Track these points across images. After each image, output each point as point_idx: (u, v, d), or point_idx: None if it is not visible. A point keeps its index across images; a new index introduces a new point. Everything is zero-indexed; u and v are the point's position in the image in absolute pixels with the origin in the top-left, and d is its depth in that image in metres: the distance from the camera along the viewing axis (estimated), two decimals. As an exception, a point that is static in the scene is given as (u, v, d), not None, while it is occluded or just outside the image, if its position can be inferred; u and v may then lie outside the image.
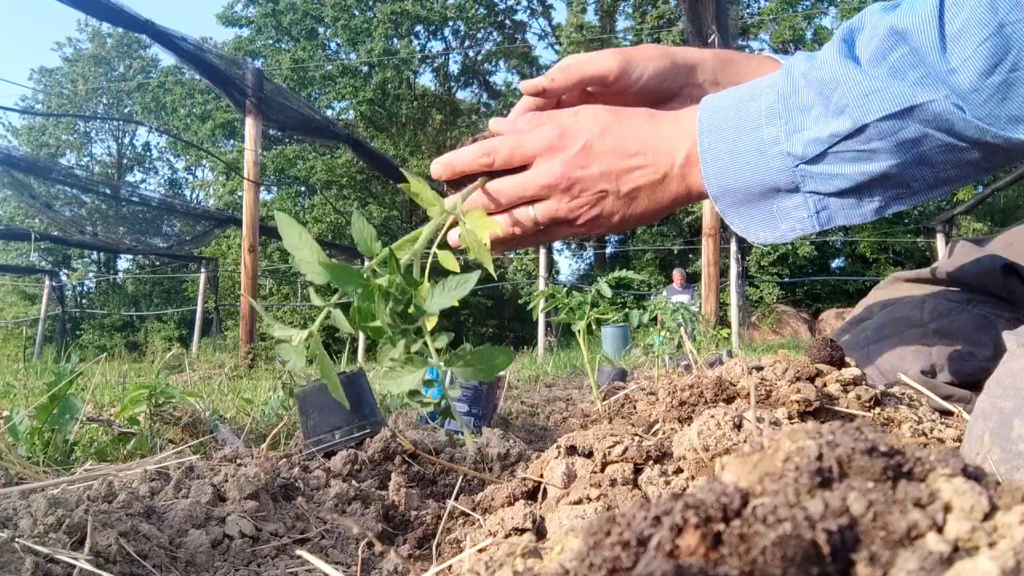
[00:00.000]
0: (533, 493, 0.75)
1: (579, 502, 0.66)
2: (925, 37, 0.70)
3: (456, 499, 0.81)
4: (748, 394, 0.83)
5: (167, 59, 27.79)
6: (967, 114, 0.69)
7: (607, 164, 0.88)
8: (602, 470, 0.72)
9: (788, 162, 0.79)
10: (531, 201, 0.91)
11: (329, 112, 23.10)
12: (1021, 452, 0.69)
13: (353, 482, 0.99)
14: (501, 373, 1.72)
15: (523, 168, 0.90)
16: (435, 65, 26.69)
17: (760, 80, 0.86)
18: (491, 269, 0.86)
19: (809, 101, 0.78)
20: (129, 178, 29.75)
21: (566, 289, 1.98)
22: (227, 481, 0.79)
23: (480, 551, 0.56)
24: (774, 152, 0.79)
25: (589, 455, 0.75)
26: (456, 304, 0.75)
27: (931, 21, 0.70)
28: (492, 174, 0.91)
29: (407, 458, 1.14)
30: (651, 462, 0.72)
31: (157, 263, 23.48)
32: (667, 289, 11.86)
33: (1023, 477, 0.63)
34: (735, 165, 0.82)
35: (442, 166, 0.94)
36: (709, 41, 6.04)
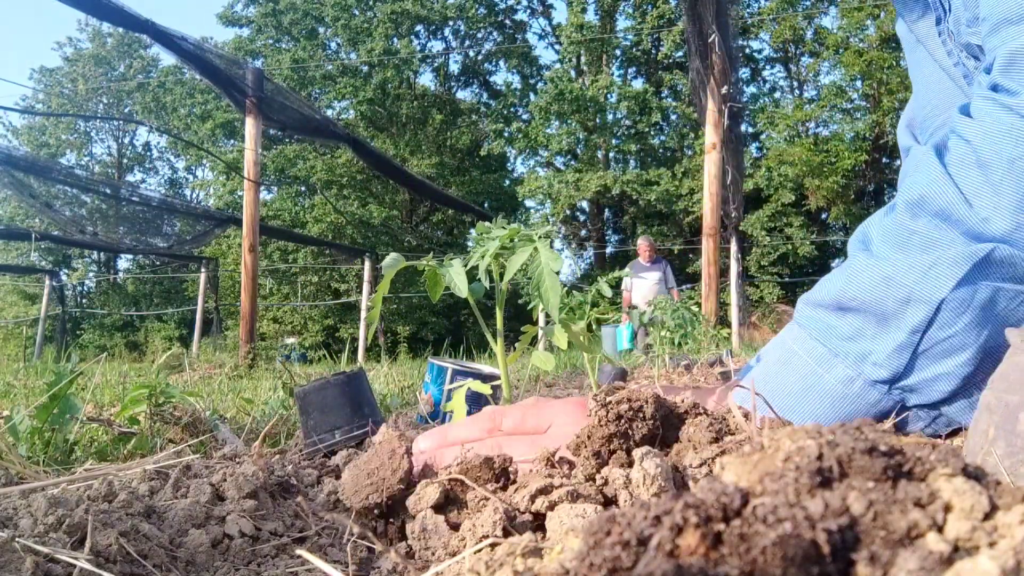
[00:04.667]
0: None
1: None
2: (946, 197, 0.67)
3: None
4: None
5: (167, 59, 27.80)
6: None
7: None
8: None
9: (879, 389, 0.72)
10: None
11: (329, 112, 23.10)
12: None
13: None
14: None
15: None
16: (435, 65, 26.70)
17: (780, 341, 0.81)
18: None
19: (854, 326, 0.72)
20: (129, 178, 29.74)
21: (566, 289, 1.98)
22: (226, 480, 0.79)
23: (478, 551, 0.56)
24: (855, 391, 0.72)
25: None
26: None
27: (945, 182, 0.67)
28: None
29: (407, 458, 1.14)
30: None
31: (157, 263, 23.48)
32: (632, 265, 9.12)
33: (1026, 474, 0.63)
34: (828, 418, 0.73)
35: (435, 439, 0.84)
36: (710, 41, 6.04)
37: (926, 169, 0.70)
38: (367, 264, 11.84)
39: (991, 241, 0.66)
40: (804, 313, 0.78)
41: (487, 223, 1.01)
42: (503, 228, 0.97)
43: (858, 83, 20.16)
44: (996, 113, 0.66)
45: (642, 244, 9.09)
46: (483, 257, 0.95)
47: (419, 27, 25.10)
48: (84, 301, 27.44)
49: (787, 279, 19.45)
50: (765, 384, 0.78)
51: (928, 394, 0.71)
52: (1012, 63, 0.66)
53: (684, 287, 9.64)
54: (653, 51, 23.77)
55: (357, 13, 23.90)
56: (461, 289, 0.92)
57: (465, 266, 0.96)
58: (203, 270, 13.86)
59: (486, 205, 23.14)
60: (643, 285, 8.66)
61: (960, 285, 0.67)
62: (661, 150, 23.38)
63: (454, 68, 27.34)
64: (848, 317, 0.73)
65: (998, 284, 0.67)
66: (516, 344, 1.09)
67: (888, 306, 0.70)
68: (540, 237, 0.93)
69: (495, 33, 26.71)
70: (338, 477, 0.96)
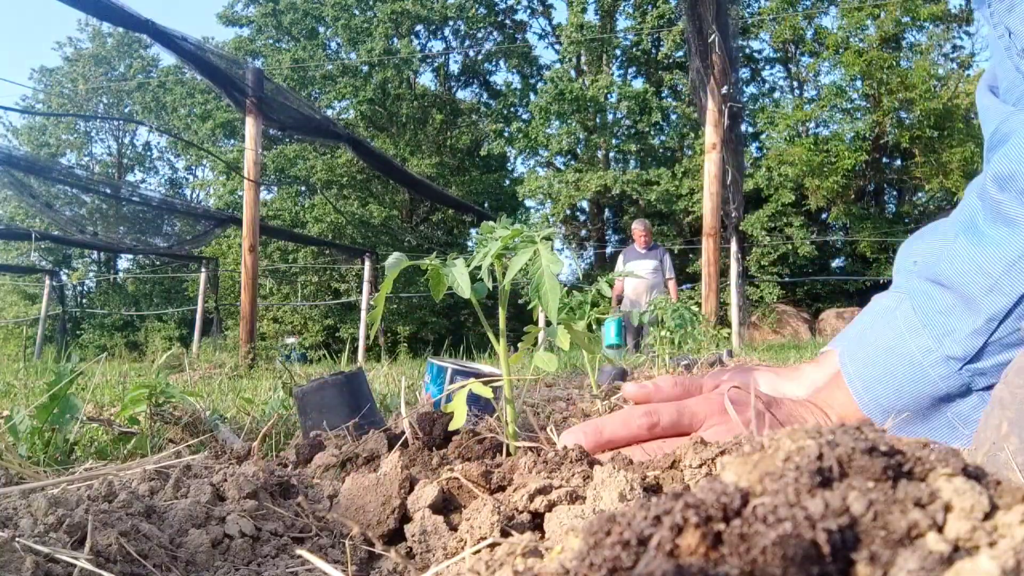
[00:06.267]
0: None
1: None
2: None
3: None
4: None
5: (167, 59, 27.79)
6: None
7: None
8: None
9: (951, 366, 0.74)
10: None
11: (329, 112, 23.09)
12: None
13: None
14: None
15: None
16: (435, 65, 26.70)
17: (879, 302, 0.85)
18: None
19: (948, 303, 0.75)
20: (129, 178, 29.75)
21: (567, 289, 1.98)
22: (226, 480, 0.79)
23: (477, 551, 0.56)
24: (931, 361, 0.75)
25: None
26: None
27: None
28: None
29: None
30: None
31: (157, 263, 23.49)
32: (626, 252, 8.21)
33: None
34: (894, 385, 0.78)
35: (589, 437, 0.86)
36: (710, 41, 6.03)
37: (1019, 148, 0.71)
38: (367, 264, 11.83)
39: None
40: (908, 279, 0.81)
41: (491, 223, 1.01)
42: (506, 228, 0.97)
43: (858, 83, 20.15)
44: None
45: (637, 228, 8.01)
46: (485, 257, 0.95)
47: (419, 27, 25.10)
48: (84, 301, 27.43)
49: (787, 279, 19.45)
50: (861, 336, 0.82)
51: (997, 376, 0.72)
52: None
53: (684, 287, 8.85)
54: (653, 51, 23.76)
55: (357, 13, 23.89)
56: (464, 289, 0.92)
57: (468, 266, 0.96)
58: (203, 270, 13.85)
59: (486, 205, 23.14)
60: (637, 272, 7.89)
61: None
62: (661, 150, 23.37)
63: (454, 68, 27.36)
64: (944, 293, 0.76)
65: None
66: (519, 344, 1.09)
67: (974, 291, 0.72)
68: (541, 239, 0.93)
69: (495, 33, 26.71)
70: (343, 479, 0.96)
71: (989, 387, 0.74)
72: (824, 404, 0.85)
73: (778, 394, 0.94)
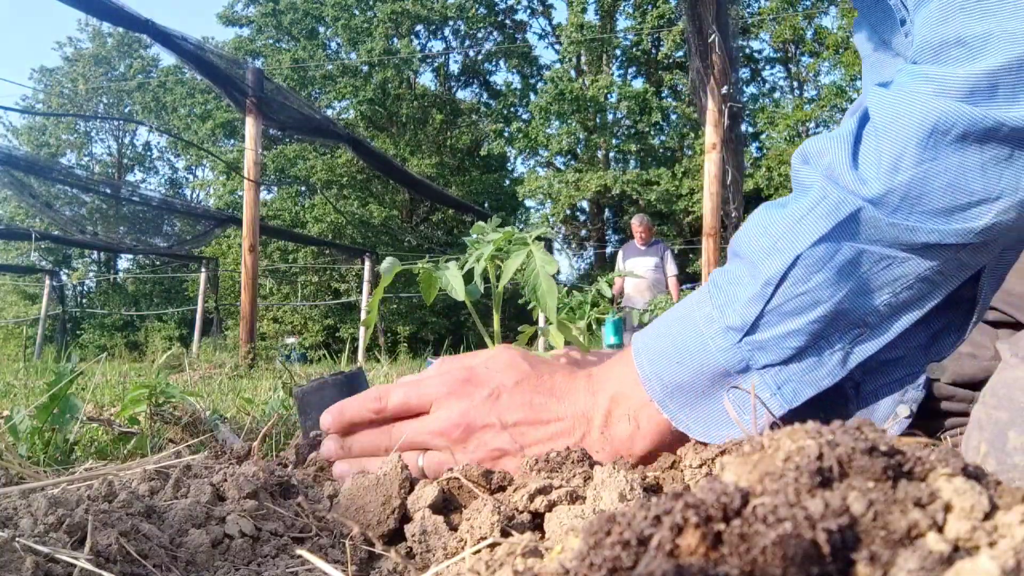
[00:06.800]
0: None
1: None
2: (838, 155, 0.65)
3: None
4: None
5: (167, 59, 27.80)
6: (893, 217, 0.64)
7: (513, 418, 0.77)
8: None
9: (730, 338, 0.69)
10: (423, 449, 0.80)
11: (329, 112, 23.10)
12: (1016, 464, 0.69)
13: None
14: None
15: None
16: (435, 65, 26.71)
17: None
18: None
19: (737, 272, 0.71)
20: (129, 178, 29.76)
21: (566, 289, 1.98)
22: (226, 480, 0.79)
23: (477, 551, 0.56)
24: (713, 331, 0.70)
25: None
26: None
27: (844, 142, 0.66)
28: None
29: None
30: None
31: (157, 263, 23.49)
32: (625, 249, 7.95)
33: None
34: (677, 357, 0.72)
35: (332, 417, 0.84)
36: (710, 41, 6.04)
37: (838, 129, 0.69)
38: (367, 264, 11.84)
39: (869, 201, 0.64)
40: (729, 254, 0.76)
41: (482, 223, 1.01)
42: (497, 231, 0.97)
43: (858, 83, 20.14)
44: (911, 83, 0.63)
45: (635, 224, 7.76)
46: (478, 261, 0.95)
47: (419, 27, 25.11)
48: (84, 301, 27.44)
49: (787, 279, 19.40)
50: (660, 321, 0.77)
51: (776, 351, 0.68)
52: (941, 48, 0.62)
53: (684, 287, 8.46)
54: (653, 51, 23.77)
55: (357, 13, 23.90)
56: (458, 292, 0.92)
57: (461, 268, 0.96)
58: (203, 270, 13.86)
59: (486, 205, 23.14)
60: (637, 271, 7.26)
61: (821, 242, 0.65)
62: (661, 150, 23.39)
63: (454, 68, 27.37)
64: (737, 263, 0.72)
65: (863, 246, 0.65)
66: (514, 344, 1.09)
67: (757, 255, 0.68)
68: (534, 240, 0.93)
69: (495, 33, 26.72)
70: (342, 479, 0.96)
71: (769, 365, 0.69)
72: (598, 379, 0.78)
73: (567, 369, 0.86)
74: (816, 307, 0.66)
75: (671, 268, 7.72)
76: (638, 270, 7.35)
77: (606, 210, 25.44)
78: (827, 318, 0.67)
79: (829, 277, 0.66)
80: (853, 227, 0.65)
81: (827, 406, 0.76)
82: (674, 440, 0.75)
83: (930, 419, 1.17)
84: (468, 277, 0.96)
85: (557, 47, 25.66)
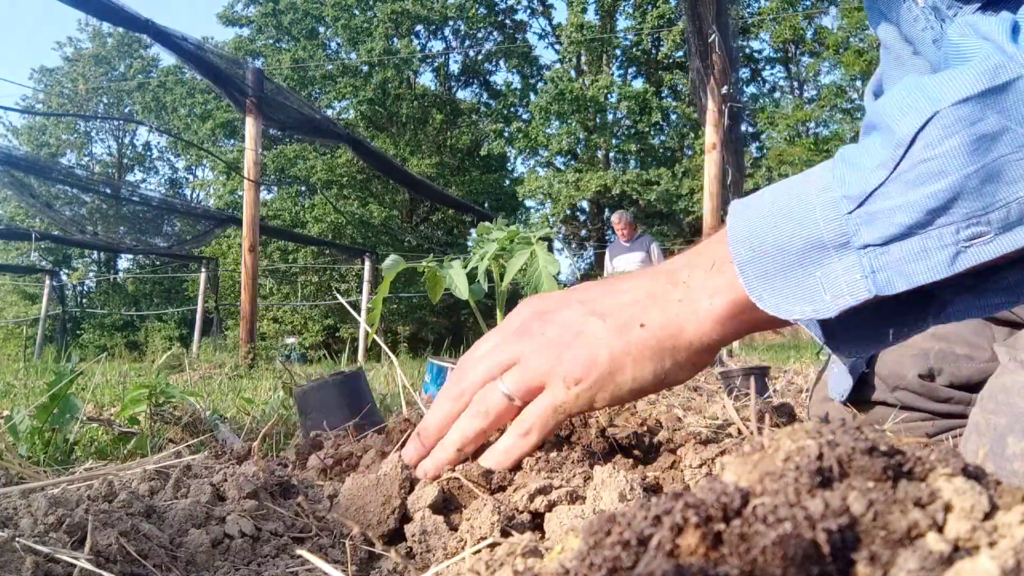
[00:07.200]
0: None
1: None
2: (995, 33, 0.58)
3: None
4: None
5: (167, 59, 27.80)
6: None
7: (583, 297, 0.75)
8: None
9: (842, 207, 0.60)
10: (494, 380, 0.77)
11: (329, 112, 23.10)
12: (1016, 470, 0.69)
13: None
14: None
15: None
16: (435, 65, 26.70)
17: None
18: None
19: (870, 141, 0.62)
20: (129, 178, 29.75)
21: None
22: (226, 480, 0.79)
23: (477, 551, 0.56)
24: (824, 200, 0.61)
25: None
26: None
27: (1004, 22, 0.58)
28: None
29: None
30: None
31: (157, 263, 23.48)
32: (611, 248, 7.79)
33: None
34: (774, 221, 0.64)
35: (422, 435, 0.80)
36: (710, 41, 6.03)
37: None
38: (367, 264, 11.84)
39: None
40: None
41: (488, 223, 1.01)
42: (502, 230, 0.97)
43: (858, 83, 20.16)
44: None
45: (616, 221, 7.56)
46: (482, 259, 0.96)
47: (419, 27, 25.10)
48: (84, 301, 27.43)
49: (787, 279, 19.41)
50: (770, 187, 0.69)
51: (883, 226, 0.59)
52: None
53: (636, 239, 7.86)
54: (653, 51, 23.77)
55: (357, 13, 23.89)
56: (462, 291, 0.92)
57: (465, 267, 0.96)
58: (203, 270, 13.85)
59: (486, 205, 23.14)
60: (624, 268, 7.08)
61: (965, 102, 0.56)
62: (661, 150, 23.39)
63: (454, 68, 27.36)
64: (868, 135, 0.63)
65: (1011, 124, 0.55)
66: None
67: (893, 116, 0.59)
68: (537, 240, 0.93)
69: (495, 33, 26.72)
70: (342, 479, 0.96)
71: (870, 245, 0.60)
72: (690, 254, 0.73)
73: None
74: (939, 178, 0.57)
75: (658, 260, 7.44)
76: (626, 267, 7.24)
77: (606, 210, 25.42)
78: (948, 195, 0.57)
79: (963, 144, 0.56)
80: (1006, 99, 0.56)
81: (903, 321, 0.69)
82: (748, 321, 0.69)
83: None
84: (471, 276, 0.96)
85: (557, 47, 25.66)
